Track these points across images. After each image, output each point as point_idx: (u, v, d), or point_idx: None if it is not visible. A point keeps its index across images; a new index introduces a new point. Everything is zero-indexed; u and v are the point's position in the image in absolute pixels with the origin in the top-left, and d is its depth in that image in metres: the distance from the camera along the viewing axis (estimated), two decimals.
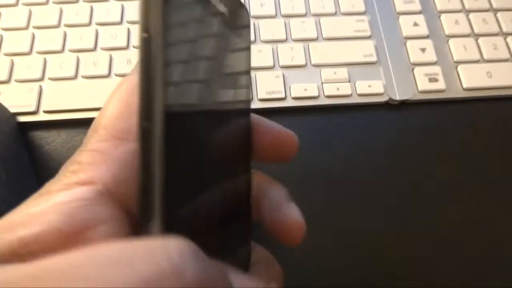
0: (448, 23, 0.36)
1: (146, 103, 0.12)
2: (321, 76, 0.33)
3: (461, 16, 0.36)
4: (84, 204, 0.13)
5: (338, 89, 0.32)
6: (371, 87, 0.33)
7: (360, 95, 0.33)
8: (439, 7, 0.36)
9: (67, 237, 0.12)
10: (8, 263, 0.10)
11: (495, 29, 0.35)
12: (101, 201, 0.13)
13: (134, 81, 0.15)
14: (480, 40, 0.35)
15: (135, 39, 0.34)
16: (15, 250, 0.12)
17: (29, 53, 0.33)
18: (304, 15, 0.35)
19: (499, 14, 0.36)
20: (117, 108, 0.15)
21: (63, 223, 0.12)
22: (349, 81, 0.33)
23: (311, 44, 0.34)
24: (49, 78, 0.32)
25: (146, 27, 0.12)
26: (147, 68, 0.12)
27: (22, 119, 0.31)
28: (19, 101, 0.31)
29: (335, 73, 0.33)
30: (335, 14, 0.36)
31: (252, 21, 0.35)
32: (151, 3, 0.12)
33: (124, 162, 0.14)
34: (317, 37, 0.35)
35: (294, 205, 0.18)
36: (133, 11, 0.35)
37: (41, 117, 0.31)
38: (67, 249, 0.12)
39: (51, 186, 0.14)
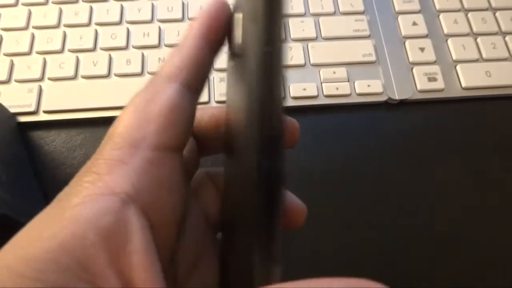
0: (447, 23, 0.36)
1: (268, 109, 0.12)
2: (320, 76, 0.33)
3: (460, 15, 0.36)
4: (115, 217, 0.13)
5: (337, 88, 0.33)
6: (370, 87, 0.33)
7: (359, 94, 0.33)
8: (438, 6, 0.36)
9: (112, 258, 0.12)
10: None
11: (494, 28, 0.35)
12: (127, 210, 0.13)
13: (151, 92, 0.15)
14: (479, 39, 0.35)
15: (135, 39, 0.34)
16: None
17: (29, 53, 0.33)
18: (303, 15, 0.36)
19: (498, 13, 0.36)
20: (133, 118, 0.15)
21: (104, 243, 0.12)
22: (348, 81, 0.33)
23: (310, 44, 0.34)
24: (49, 78, 0.32)
25: (268, 41, 0.12)
26: (269, 81, 0.12)
27: (22, 119, 0.31)
28: (19, 101, 0.31)
29: (334, 72, 0.33)
30: (334, 13, 0.36)
31: None
32: (274, 19, 0.12)
33: (141, 170, 0.14)
34: (316, 37, 0.35)
35: (291, 193, 0.18)
36: (133, 11, 0.35)
37: (41, 117, 0.31)
38: (113, 267, 0.12)
39: (69, 198, 0.13)
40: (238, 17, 0.15)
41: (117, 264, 0.12)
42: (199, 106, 0.17)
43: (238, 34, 0.15)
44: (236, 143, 0.15)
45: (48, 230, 0.12)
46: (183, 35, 0.17)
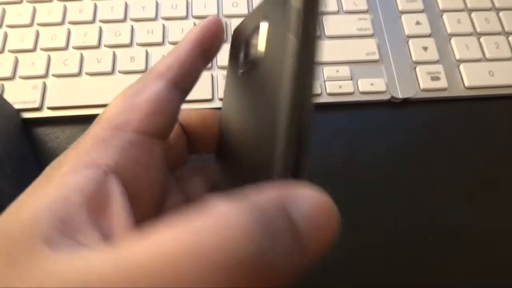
0: (450, 22, 0.36)
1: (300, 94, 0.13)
2: (323, 74, 0.33)
3: (463, 15, 0.36)
4: (97, 183, 0.14)
5: (340, 87, 0.33)
6: (373, 85, 0.33)
7: (362, 93, 0.33)
8: (441, 6, 0.36)
9: (93, 217, 0.13)
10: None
11: (497, 28, 0.35)
12: (108, 180, 0.14)
13: (140, 85, 0.17)
14: (482, 39, 0.35)
15: (139, 37, 0.34)
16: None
17: (34, 50, 0.33)
18: None
19: (501, 13, 0.36)
20: (120, 105, 0.16)
21: (87, 204, 0.13)
22: (351, 79, 0.33)
23: None
24: (53, 75, 0.32)
25: (304, 48, 0.13)
26: (305, 83, 0.13)
27: (26, 115, 0.31)
28: (23, 97, 0.31)
29: (337, 71, 0.33)
30: (337, 12, 0.36)
31: None
32: (311, 27, 0.13)
33: (122, 148, 0.15)
34: (320, 35, 0.35)
35: None
36: (137, 8, 0.35)
37: (45, 113, 0.31)
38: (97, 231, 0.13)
39: (57, 169, 0.14)
40: (263, 25, 0.15)
41: (98, 222, 0.13)
42: (200, 106, 0.18)
43: (260, 41, 0.15)
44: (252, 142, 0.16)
45: (38, 194, 0.13)
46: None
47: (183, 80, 0.17)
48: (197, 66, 0.18)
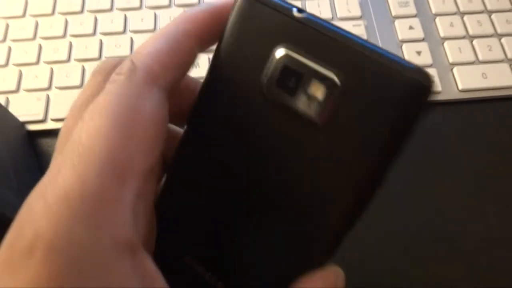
0: (443, 26, 0.36)
1: None
2: None
3: (456, 18, 0.37)
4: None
5: None
6: None
7: None
8: (434, 10, 0.37)
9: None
10: None
11: (490, 30, 0.36)
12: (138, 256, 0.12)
13: (131, 96, 0.13)
14: (475, 41, 0.36)
15: None
16: None
17: (37, 63, 0.34)
18: None
19: (493, 16, 0.37)
20: (115, 133, 0.12)
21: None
22: None
23: None
24: (56, 87, 0.33)
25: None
26: None
27: (31, 127, 0.32)
28: (28, 110, 0.32)
29: None
30: (332, 19, 0.37)
31: None
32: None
33: (134, 208, 0.12)
34: None
35: None
36: (136, 21, 0.36)
37: (49, 125, 0.32)
38: None
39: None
40: (333, 84, 0.13)
41: None
42: None
43: (325, 101, 0.13)
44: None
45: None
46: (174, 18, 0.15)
47: (176, 83, 0.14)
48: (194, 59, 0.15)
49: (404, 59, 0.12)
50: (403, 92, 0.12)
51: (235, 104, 0.14)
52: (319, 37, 0.13)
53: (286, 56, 0.13)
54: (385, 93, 0.12)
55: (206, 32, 0.14)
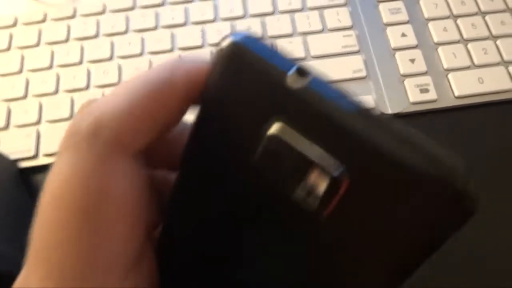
0: (436, 31, 0.35)
1: None
2: None
3: (449, 22, 0.36)
4: None
5: None
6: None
7: None
8: (426, 14, 0.36)
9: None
10: None
11: (485, 33, 0.35)
12: None
13: (102, 180, 0.11)
14: (470, 45, 0.35)
15: (127, 75, 0.34)
16: None
17: (25, 97, 0.34)
18: (291, 35, 0.36)
19: (487, 17, 0.36)
20: (74, 255, 0.11)
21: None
22: None
23: None
24: (46, 121, 0.33)
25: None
26: None
27: (23, 164, 0.31)
28: (18, 147, 0.32)
29: None
30: (322, 31, 0.36)
31: None
32: None
33: None
34: (306, 56, 0.35)
35: None
36: (123, 46, 0.35)
37: (41, 161, 0.32)
38: None
39: None
40: (335, 179, 0.11)
41: None
42: None
43: (327, 196, 0.11)
44: None
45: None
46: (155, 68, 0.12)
47: (160, 139, 0.12)
48: (180, 116, 0.12)
49: (437, 147, 0.10)
50: (437, 205, 0.10)
51: (223, 173, 0.12)
52: (320, 117, 0.11)
53: (279, 134, 0.11)
54: (412, 201, 0.10)
55: (197, 88, 0.11)
